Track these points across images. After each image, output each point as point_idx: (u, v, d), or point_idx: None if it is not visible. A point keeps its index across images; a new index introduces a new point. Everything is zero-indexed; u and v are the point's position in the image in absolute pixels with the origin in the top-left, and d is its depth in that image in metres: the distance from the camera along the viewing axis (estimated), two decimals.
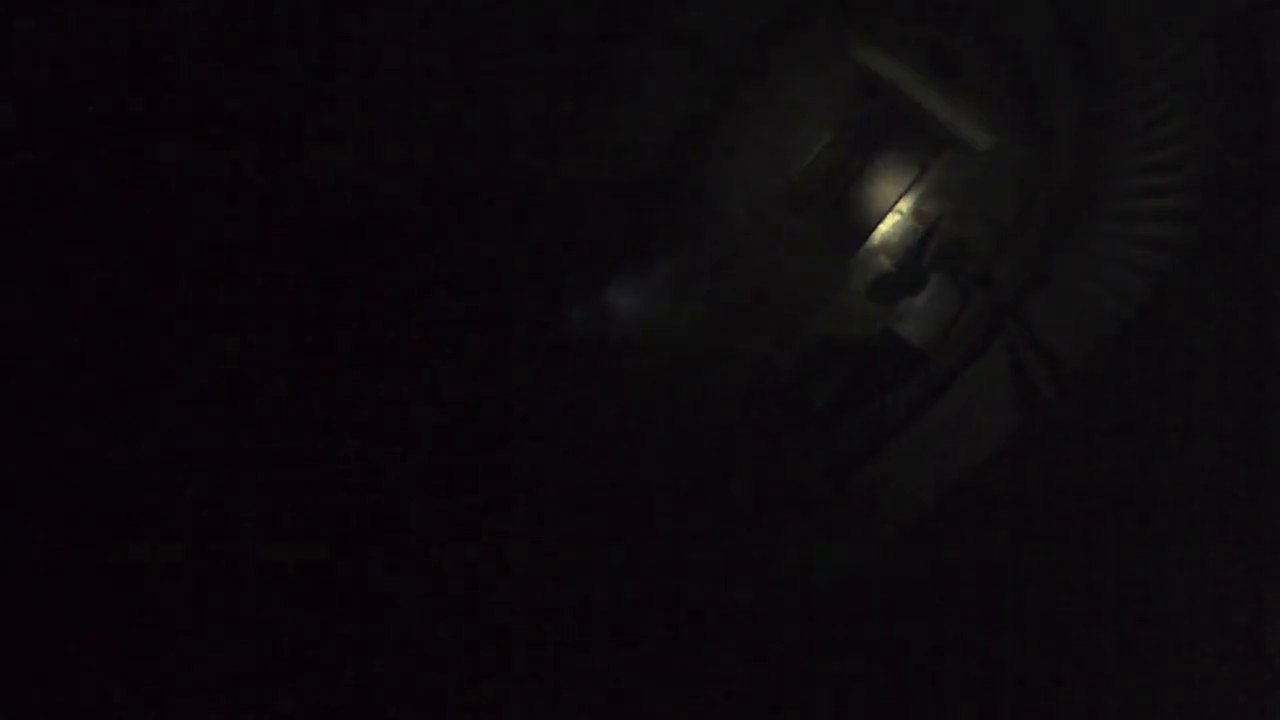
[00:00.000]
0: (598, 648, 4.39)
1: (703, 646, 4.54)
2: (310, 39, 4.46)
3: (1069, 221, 6.28)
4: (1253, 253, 3.81)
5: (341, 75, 4.85)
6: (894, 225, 9.24)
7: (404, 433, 4.80)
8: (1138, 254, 4.50)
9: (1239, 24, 4.22)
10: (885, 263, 9.25)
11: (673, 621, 4.64)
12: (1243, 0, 4.15)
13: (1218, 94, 4.22)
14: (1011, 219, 7.59)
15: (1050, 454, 4.30)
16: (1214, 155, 4.13)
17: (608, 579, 4.67)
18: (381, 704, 4.00)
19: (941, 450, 5.56)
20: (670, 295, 9.60)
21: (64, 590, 3.50)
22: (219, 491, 4.03)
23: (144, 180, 3.79)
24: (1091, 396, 4.27)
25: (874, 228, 9.56)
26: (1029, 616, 3.86)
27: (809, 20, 9.09)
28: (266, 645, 3.88)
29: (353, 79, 4.94)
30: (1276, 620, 3.18)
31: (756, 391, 8.96)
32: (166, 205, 3.87)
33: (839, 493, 6.75)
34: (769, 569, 5.33)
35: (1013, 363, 5.46)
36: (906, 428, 6.73)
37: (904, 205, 9.12)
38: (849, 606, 4.69)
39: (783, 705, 4.32)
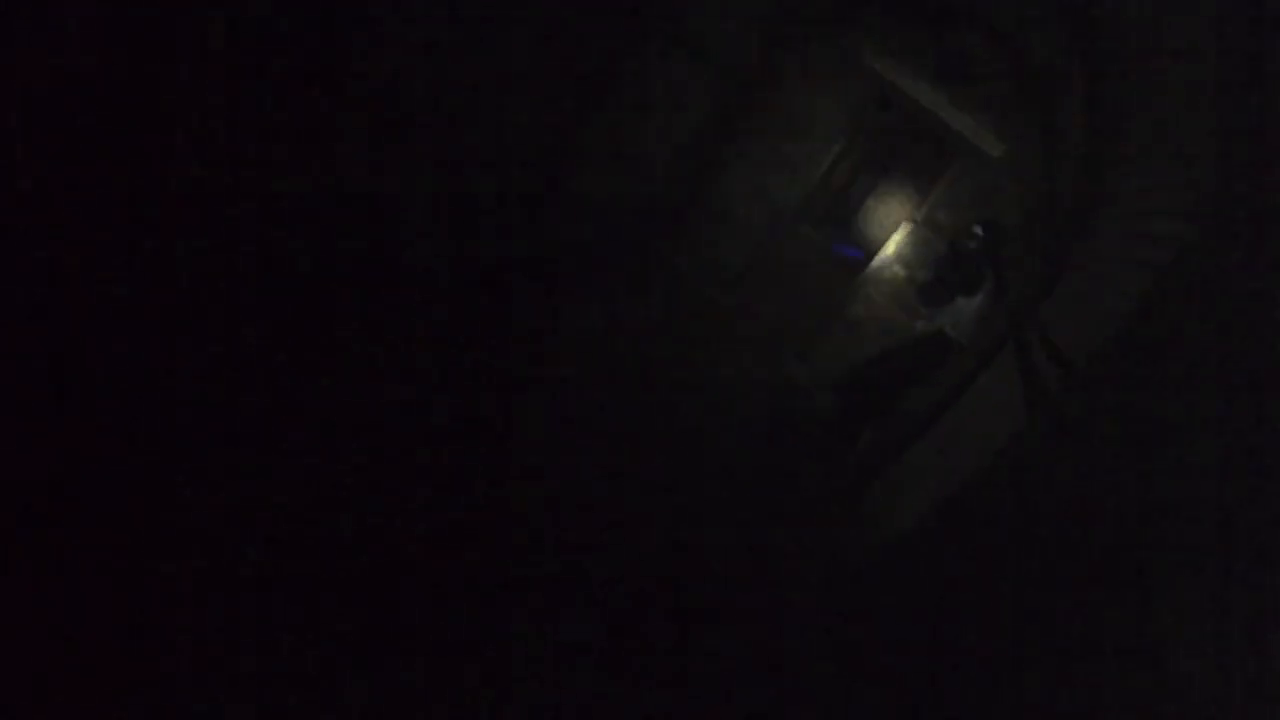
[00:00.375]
0: (599, 649, 4.39)
1: (707, 649, 4.53)
2: (317, 45, 4.54)
3: (1077, 224, 6.25)
4: (1253, 250, 3.79)
5: (347, 81, 4.92)
6: (907, 234, 9.23)
7: (404, 436, 4.83)
8: (1140, 250, 4.48)
9: (1239, 23, 4.21)
10: (900, 271, 9.23)
11: (677, 624, 4.63)
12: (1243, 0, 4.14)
13: (1219, 92, 4.21)
14: (1023, 225, 7.56)
15: (1054, 455, 4.27)
16: (1215, 151, 4.11)
17: (611, 581, 4.68)
18: (382, 707, 4.01)
19: (952, 457, 5.54)
20: (682, 306, 9.61)
21: (64, 591, 3.54)
22: (218, 492, 4.06)
23: (146, 182, 3.86)
24: (1095, 395, 4.24)
25: (888, 237, 9.55)
26: (1031, 617, 3.82)
27: (819, 29, 9.12)
28: (266, 649, 3.91)
29: (359, 85, 5.00)
30: (1277, 621, 3.15)
31: (769, 401, 8.95)
32: (169, 206, 3.94)
33: (851, 502, 6.73)
34: (777, 574, 5.31)
35: (1023, 367, 5.43)
36: (919, 435, 6.70)
37: (917, 215, 9.11)
38: (854, 609, 4.68)
39: (785, 705, 4.31)
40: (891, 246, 9.49)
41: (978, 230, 7.16)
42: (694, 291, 9.86)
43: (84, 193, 3.49)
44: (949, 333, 7.16)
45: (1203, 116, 4.34)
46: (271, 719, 3.89)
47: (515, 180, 6.86)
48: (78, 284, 3.60)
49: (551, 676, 4.36)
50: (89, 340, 3.74)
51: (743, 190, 10.04)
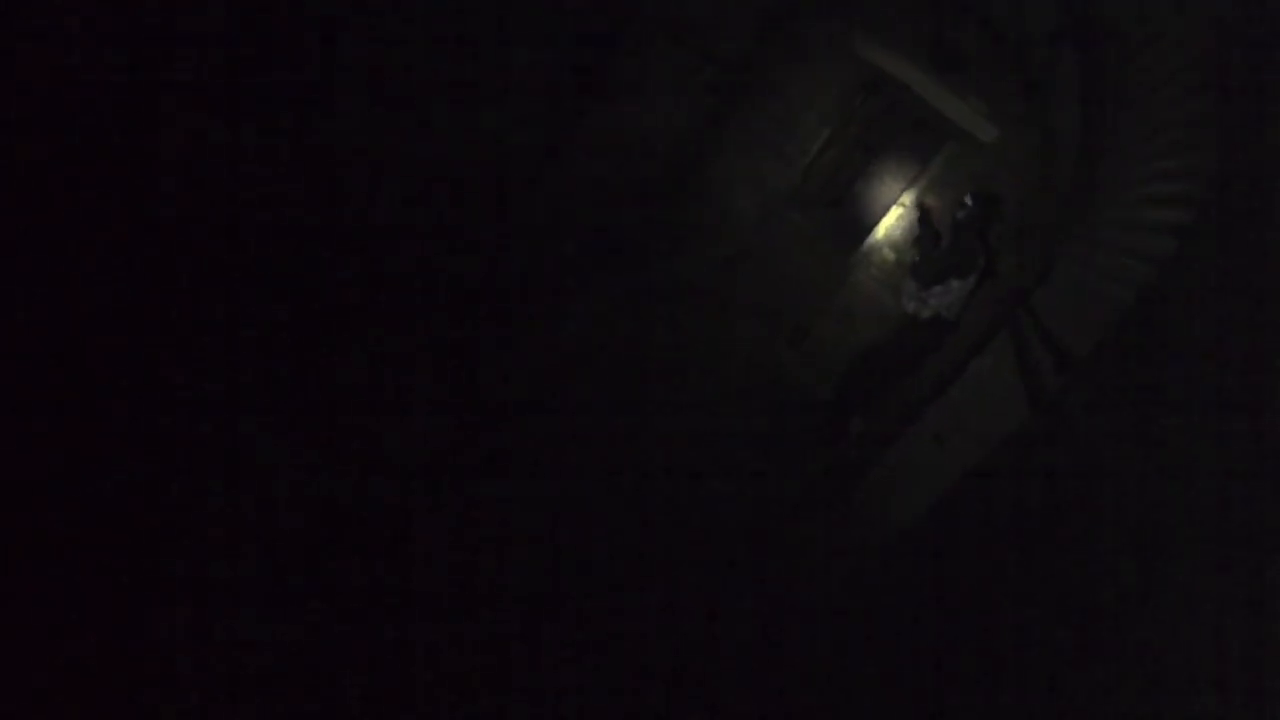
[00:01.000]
0: (596, 646, 4.39)
1: (703, 648, 4.53)
2: (314, 37, 4.47)
3: (1072, 212, 6.24)
4: (1253, 237, 3.78)
5: (343, 74, 4.85)
6: (898, 218, 9.20)
7: (407, 432, 4.80)
8: (1139, 240, 4.47)
9: (1239, 12, 4.19)
10: (890, 255, 9.20)
11: (673, 622, 4.63)
12: None
13: (1218, 80, 4.20)
14: (1015, 211, 7.53)
15: (1053, 447, 4.27)
16: (1214, 141, 4.10)
17: (607, 578, 4.67)
18: (383, 705, 4.00)
19: (949, 450, 5.53)
20: (677, 294, 9.57)
21: (64, 592, 3.51)
22: (221, 492, 4.03)
23: (145, 177, 3.80)
24: (1094, 386, 4.24)
25: (878, 221, 9.52)
26: (1030, 615, 3.83)
27: (811, 16, 9.06)
28: (268, 646, 3.89)
29: (355, 77, 4.93)
30: (1276, 621, 3.15)
31: (764, 391, 8.93)
32: (168, 202, 3.88)
33: (845, 493, 6.73)
34: (772, 571, 5.31)
35: (1019, 356, 5.42)
36: (911, 425, 6.69)
37: (907, 198, 9.07)
38: (851, 607, 4.68)
39: (783, 705, 4.31)
40: (882, 230, 9.46)
41: (966, 200, 7.04)
42: (688, 281, 9.81)
43: (82, 193, 3.44)
44: (943, 314, 7.05)
45: (1202, 103, 4.32)
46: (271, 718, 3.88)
47: (511, 171, 6.80)
48: (78, 284, 3.55)
49: (550, 676, 4.35)
50: (91, 339, 3.69)
51: (736, 177, 10.00)
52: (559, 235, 7.97)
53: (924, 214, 7.35)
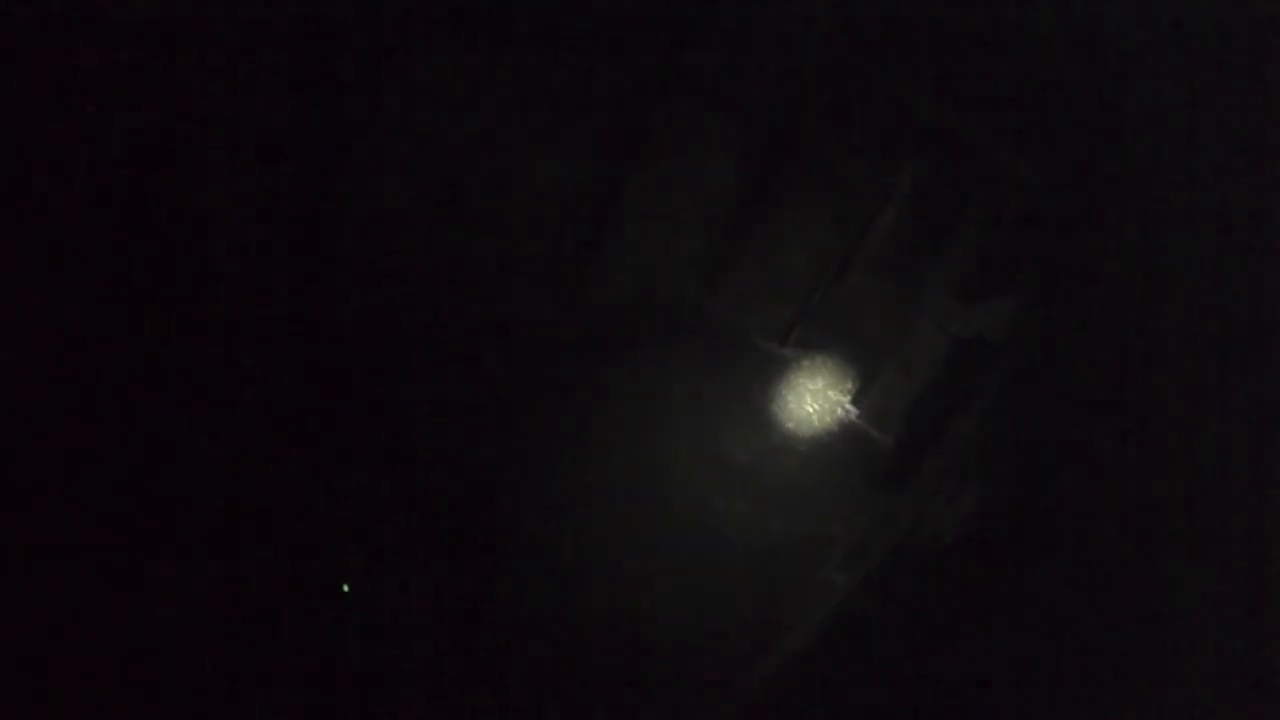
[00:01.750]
0: (594, 653, 4.37)
1: (701, 654, 4.48)
2: (347, 103, 4.70)
3: (1080, 229, 6.15)
4: (1253, 236, 3.71)
5: (376, 138, 5.06)
6: (951, 262, 9.11)
7: (406, 452, 4.89)
8: (1143, 251, 4.42)
9: (1239, 18, 4.17)
10: (946, 299, 9.08)
11: (672, 626, 4.59)
12: None
13: (1215, 83, 4.16)
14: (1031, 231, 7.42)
15: (1051, 448, 4.20)
16: (1213, 143, 4.06)
17: (608, 588, 4.65)
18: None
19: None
20: (730, 359, 9.55)
21: (61, 594, 3.64)
22: (214, 509, 4.14)
23: (150, 191, 4.01)
24: (1095, 390, 4.18)
25: (935, 269, 9.43)
26: (1027, 620, 3.71)
27: (863, 81, 9.15)
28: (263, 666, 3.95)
29: (389, 143, 5.14)
30: (1277, 624, 3.03)
31: (826, 445, 8.83)
32: (174, 221, 4.08)
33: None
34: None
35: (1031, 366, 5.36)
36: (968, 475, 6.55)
37: (960, 240, 9.00)
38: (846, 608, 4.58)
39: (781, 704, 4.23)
40: (938, 275, 9.36)
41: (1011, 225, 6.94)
42: (742, 343, 9.82)
43: (84, 195, 3.66)
44: (985, 336, 6.89)
45: (1205, 121, 4.29)
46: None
47: (550, 241, 6.92)
48: (77, 285, 3.76)
49: (550, 678, 4.30)
50: (89, 345, 3.89)
51: (790, 240, 10.04)
52: (599, 301, 8.04)
53: (979, 238, 7.29)
